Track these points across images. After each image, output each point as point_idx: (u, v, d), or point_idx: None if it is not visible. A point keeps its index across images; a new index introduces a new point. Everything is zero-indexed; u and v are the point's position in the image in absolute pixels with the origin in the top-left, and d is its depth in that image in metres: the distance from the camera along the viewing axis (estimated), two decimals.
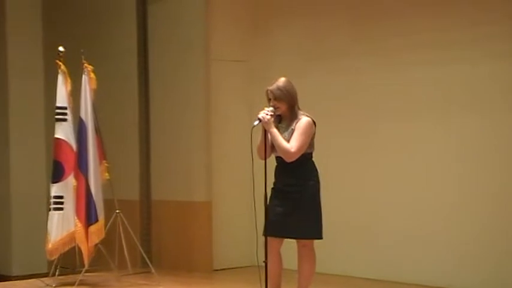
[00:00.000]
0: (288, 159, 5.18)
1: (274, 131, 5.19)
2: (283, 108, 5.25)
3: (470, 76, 6.50)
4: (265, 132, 5.22)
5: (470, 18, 6.50)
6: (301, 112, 5.28)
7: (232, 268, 8.00)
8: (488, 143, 6.40)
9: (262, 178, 5.15)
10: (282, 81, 5.27)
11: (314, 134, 5.27)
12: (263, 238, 5.22)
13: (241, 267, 7.99)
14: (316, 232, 5.27)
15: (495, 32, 6.32)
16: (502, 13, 6.31)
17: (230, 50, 8.18)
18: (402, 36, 6.98)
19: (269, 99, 5.27)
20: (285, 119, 5.29)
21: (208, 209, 7.99)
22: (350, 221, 7.26)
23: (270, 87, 5.25)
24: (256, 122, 5.21)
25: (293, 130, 5.20)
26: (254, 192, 5.26)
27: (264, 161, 5.21)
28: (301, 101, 5.37)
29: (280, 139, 5.17)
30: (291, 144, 5.16)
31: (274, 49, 8.09)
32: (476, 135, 6.47)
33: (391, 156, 7.04)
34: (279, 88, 5.22)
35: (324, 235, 5.29)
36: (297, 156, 5.17)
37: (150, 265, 7.40)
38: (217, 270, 7.95)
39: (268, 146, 5.24)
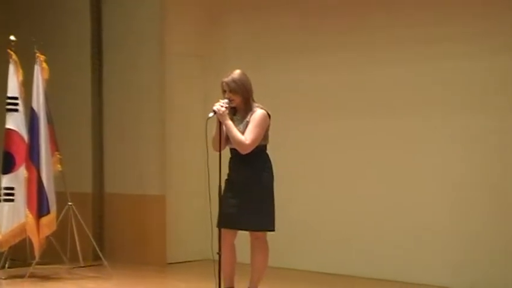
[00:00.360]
0: (243, 151, 5.20)
1: (229, 123, 5.20)
2: (237, 100, 5.26)
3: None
4: (220, 124, 5.22)
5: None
6: (256, 104, 5.30)
7: (186, 262, 7.99)
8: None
9: (216, 170, 5.15)
10: (237, 73, 5.28)
11: (269, 126, 5.29)
12: (217, 230, 5.22)
13: (195, 260, 7.98)
14: (268, 224, 5.29)
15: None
16: (502, 7, 6.27)
17: (185, 45, 8.16)
18: (358, 33, 7.03)
19: (224, 91, 5.27)
20: (239, 111, 5.31)
21: (162, 202, 7.96)
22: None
23: (225, 79, 5.26)
24: (211, 114, 5.21)
25: (248, 122, 5.22)
26: (209, 184, 5.26)
27: (218, 153, 5.21)
28: (256, 94, 5.39)
29: (234, 131, 5.18)
30: (246, 136, 5.17)
31: (229, 44, 8.09)
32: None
33: (364, 150, 7.02)
34: (234, 80, 5.23)
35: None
36: (251, 148, 5.18)
37: (102, 258, 7.35)
38: (171, 263, 7.93)
39: (223, 138, 5.25)
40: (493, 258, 6.27)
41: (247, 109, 5.26)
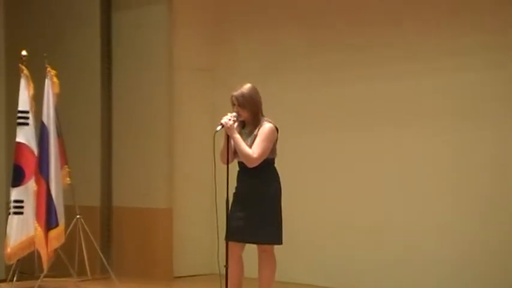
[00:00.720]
0: (250, 165, 5.24)
1: (237, 136, 5.24)
2: (246, 114, 5.30)
3: (456, 84, 6.58)
4: (228, 137, 5.26)
5: (455, 27, 6.59)
6: (265, 118, 5.34)
7: (193, 276, 8.01)
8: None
9: (224, 183, 5.19)
10: (246, 87, 5.32)
11: (276, 140, 5.33)
12: (224, 244, 5.25)
13: (201, 274, 8.00)
14: (276, 237, 5.31)
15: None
16: (496, 20, 6.38)
17: (193, 59, 8.24)
18: (364, 51, 7.10)
19: (233, 104, 5.32)
20: (248, 125, 5.35)
21: (169, 215, 8.00)
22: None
23: (235, 93, 5.30)
24: (219, 127, 5.26)
25: (256, 136, 5.25)
26: (216, 197, 5.30)
27: (226, 166, 5.25)
28: (263, 107, 5.41)
29: (242, 144, 5.22)
30: (253, 150, 5.21)
31: (236, 57, 8.17)
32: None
33: (366, 166, 7.09)
34: (243, 95, 5.27)
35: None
36: (258, 162, 5.22)
37: (110, 271, 7.38)
38: (177, 277, 7.95)
39: (231, 151, 5.29)
40: (483, 268, 6.31)
41: (256, 123, 5.30)
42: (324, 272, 7.30)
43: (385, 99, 7.00)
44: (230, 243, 5.26)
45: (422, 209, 6.72)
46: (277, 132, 5.33)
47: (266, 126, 5.27)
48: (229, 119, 5.23)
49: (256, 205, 5.25)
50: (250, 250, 5.43)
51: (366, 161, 7.08)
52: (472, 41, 6.47)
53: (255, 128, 5.29)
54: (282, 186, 5.39)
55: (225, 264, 5.20)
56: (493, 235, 6.31)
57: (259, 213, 5.24)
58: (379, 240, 6.95)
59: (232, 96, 5.31)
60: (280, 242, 5.34)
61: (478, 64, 6.43)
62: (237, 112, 5.28)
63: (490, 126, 6.38)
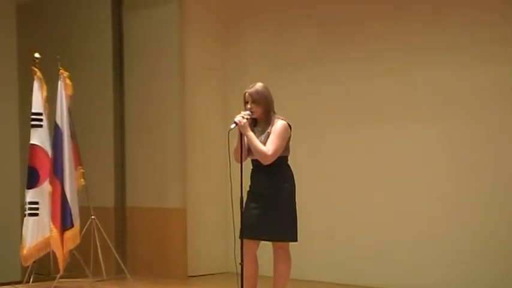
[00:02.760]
0: (265, 162, 5.25)
1: (251, 134, 5.26)
2: (259, 111, 5.32)
3: (457, 79, 6.58)
4: (241, 135, 5.28)
5: (454, 21, 6.60)
6: (277, 116, 5.36)
7: (207, 274, 8.03)
8: (476, 146, 6.47)
9: (238, 182, 5.20)
10: (259, 85, 5.35)
11: (290, 137, 5.34)
12: (239, 241, 5.27)
13: (216, 273, 8.03)
14: (291, 234, 5.33)
15: (486, 34, 6.41)
16: (492, 15, 6.38)
17: (204, 58, 8.25)
18: (375, 43, 7.10)
19: (246, 103, 5.34)
20: (260, 123, 5.37)
21: (183, 215, 8.02)
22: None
23: (249, 90, 5.32)
24: (233, 126, 5.27)
25: (269, 133, 5.27)
26: (232, 195, 5.29)
27: (240, 164, 5.27)
28: (275, 106, 5.44)
29: (256, 142, 5.24)
30: (268, 147, 5.23)
31: (247, 56, 8.18)
32: (465, 138, 6.53)
33: (375, 160, 7.09)
34: (257, 91, 5.30)
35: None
36: (273, 159, 5.24)
37: (125, 271, 7.41)
38: (192, 276, 7.97)
39: (245, 149, 5.31)
40: (484, 262, 6.33)
41: (268, 120, 5.32)
42: (337, 269, 7.30)
43: (398, 93, 6.97)
44: (245, 241, 5.26)
45: (439, 202, 6.69)
46: (291, 129, 5.34)
47: (279, 124, 5.29)
48: (243, 117, 5.25)
49: (271, 202, 5.26)
50: (264, 248, 5.44)
51: (378, 154, 7.07)
52: (474, 35, 6.46)
53: (268, 126, 5.31)
54: (297, 182, 5.40)
55: (240, 262, 5.21)
56: (495, 225, 6.33)
57: (274, 211, 5.26)
58: (391, 234, 6.94)
59: (245, 93, 5.33)
60: (295, 239, 5.36)
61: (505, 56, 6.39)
62: (250, 109, 5.30)
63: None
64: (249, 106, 5.31)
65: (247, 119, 5.26)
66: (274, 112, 5.37)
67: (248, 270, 5.27)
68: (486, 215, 6.41)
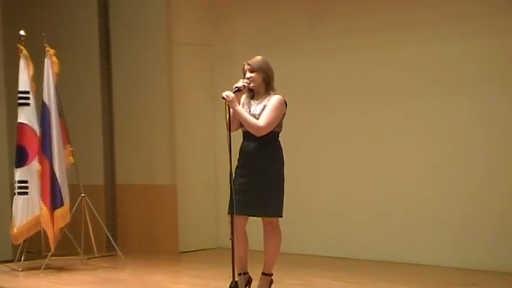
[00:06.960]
0: (258, 134, 5.24)
1: (239, 108, 5.26)
2: (258, 80, 5.32)
3: (439, 55, 6.58)
4: (229, 108, 5.26)
5: None
6: (276, 92, 5.36)
7: (198, 250, 8.06)
8: (464, 122, 6.48)
9: (227, 156, 5.18)
10: (259, 57, 5.38)
11: (284, 114, 5.34)
12: (228, 217, 5.26)
13: (207, 249, 8.06)
14: (279, 210, 5.33)
15: (465, 10, 6.40)
16: None
17: (192, 34, 8.22)
18: (365, 17, 7.07)
19: (244, 74, 5.33)
20: (257, 94, 5.36)
21: (173, 192, 8.03)
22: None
23: (249, 61, 5.34)
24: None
25: (265, 106, 5.28)
26: (231, 167, 5.22)
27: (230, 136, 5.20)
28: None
29: (245, 115, 5.25)
30: (261, 118, 5.23)
31: (235, 33, 8.15)
32: (449, 115, 6.54)
33: (365, 139, 7.12)
34: (257, 60, 5.33)
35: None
36: (266, 131, 5.23)
37: (117, 248, 7.43)
38: (183, 252, 8.00)
39: (236, 120, 5.29)
40: (483, 237, 6.35)
41: (266, 93, 5.32)
42: (330, 243, 7.35)
43: (389, 68, 6.96)
44: (234, 216, 5.26)
45: (437, 175, 6.71)
46: (286, 106, 5.34)
47: (275, 97, 5.30)
48: (243, 84, 5.26)
49: (260, 178, 5.26)
50: (255, 223, 5.45)
51: (372, 129, 7.09)
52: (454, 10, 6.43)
53: (265, 99, 5.31)
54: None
55: (230, 237, 5.22)
56: (491, 203, 6.34)
57: (263, 187, 5.26)
58: (388, 209, 6.97)
59: (245, 64, 5.34)
60: (281, 215, 5.36)
61: (457, 33, 6.41)
62: (250, 78, 5.29)
63: None
64: (247, 76, 5.30)
65: (244, 86, 5.26)
66: (274, 88, 5.36)
67: (238, 245, 5.27)
68: (479, 188, 6.41)
